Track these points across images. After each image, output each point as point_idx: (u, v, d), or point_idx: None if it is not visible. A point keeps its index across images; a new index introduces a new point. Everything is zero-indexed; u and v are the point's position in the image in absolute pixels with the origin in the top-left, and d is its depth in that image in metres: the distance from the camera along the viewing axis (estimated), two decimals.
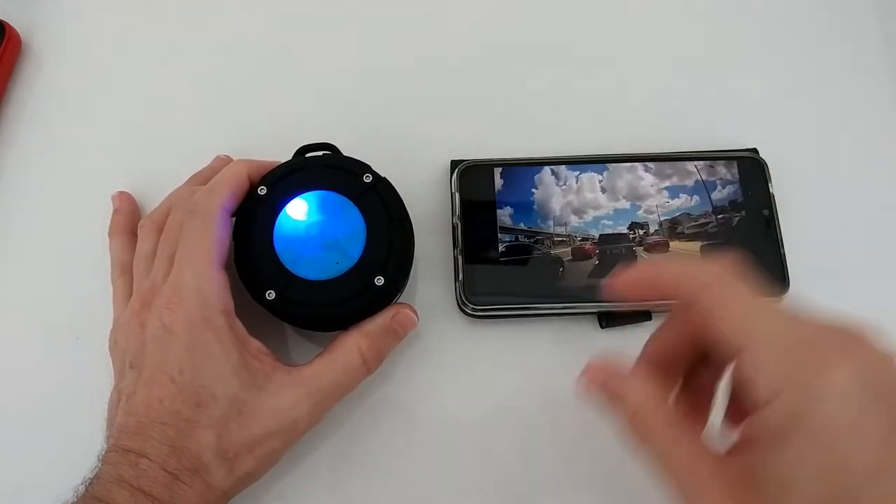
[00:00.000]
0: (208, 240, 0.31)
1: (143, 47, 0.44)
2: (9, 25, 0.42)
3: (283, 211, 0.33)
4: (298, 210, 0.33)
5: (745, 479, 0.23)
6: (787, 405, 0.21)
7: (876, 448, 0.20)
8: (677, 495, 0.24)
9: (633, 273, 0.27)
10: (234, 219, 0.33)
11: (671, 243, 0.37)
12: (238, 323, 0.31)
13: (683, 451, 0.24)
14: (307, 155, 0.36)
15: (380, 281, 0.32)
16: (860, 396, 0.21)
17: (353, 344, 0.32)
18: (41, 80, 0.43)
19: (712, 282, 0.24)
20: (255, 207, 0.33)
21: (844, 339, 0.22)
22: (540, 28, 0.44)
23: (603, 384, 0.27)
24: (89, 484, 0.28)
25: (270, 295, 0.32)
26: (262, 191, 0.33)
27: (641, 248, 0.36)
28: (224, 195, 0.32)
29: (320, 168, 0.34)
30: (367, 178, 0.33)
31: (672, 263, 0.26)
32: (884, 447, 0.20)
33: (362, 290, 0.32)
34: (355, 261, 0.32)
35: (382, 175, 0.34)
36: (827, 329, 0.23)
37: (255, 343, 0.31)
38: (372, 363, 0.32)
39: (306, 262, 0.32)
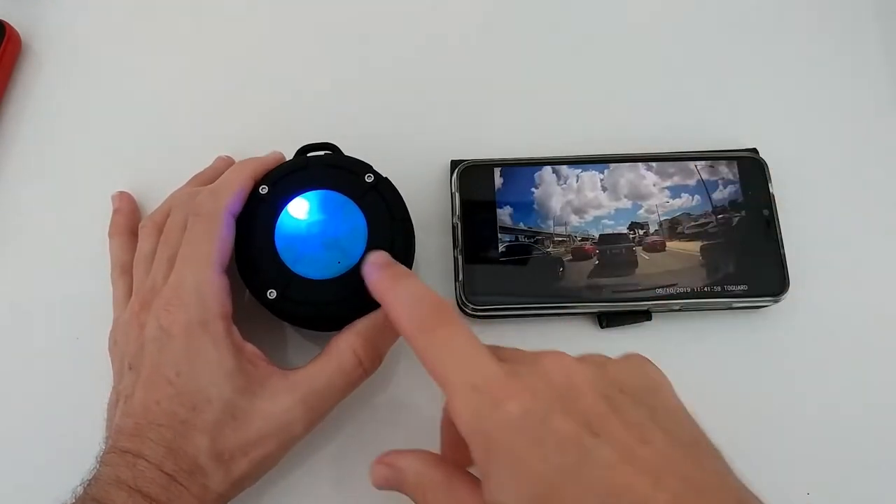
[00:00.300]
0: (211, 242, 0.31)
1: (143, 47, 0.44)
2: (9, 25, 0.42)
3: (284, 210, 0.33)
4: (300, 209, 0.33)
5: None
6: (480, 439, 0.23)
7: (556, 454, 0.22)
8: None
9: (376, 276, 0.29)
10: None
11: (672, 243, 0.37)
12: (235, 328, 0.31)
13: None
14: (308, 154, 0.36)
15: None
16: (533, 416, 0.23)
17: (346, 345, 0.31)
18: (41, 80, 0.43)
19: (418, 327, 0.26)
20: (256, 206, 0.33)
21: (522, 370, 0.24)
22: (540, 28, 0.44)
23: (386, 464, 0.28)
24: (87, 485, 0.27)
25: (272, 294, 0.32)
26: (264, 190, 0.33)
27: (641, 247, 0.36)
28: (230, 198, 0.32)
29: (322, 167, 0.34)
30: (369, 178, 0.33)
31: (397, 297, 0.28)
32: (560, 453, 0.22)
33: (363, 290, 0.32)
34: (357, 260, 0.32)
35: (384, 175, 0.34)
36: (511, 363, 0.25)
37: (251, 348, 0.31)
38: (368, 363, 0.32)
39: (307, 262, 0.32)
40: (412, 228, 0.34)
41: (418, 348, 0.26)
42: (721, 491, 0.22)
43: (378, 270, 0.29)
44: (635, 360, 0.26)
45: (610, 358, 0.26)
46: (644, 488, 0.21)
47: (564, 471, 0.22)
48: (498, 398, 0.23)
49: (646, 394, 0.25)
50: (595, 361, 0.26)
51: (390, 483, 0.28)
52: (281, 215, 0.33)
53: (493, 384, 0.24)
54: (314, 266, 0.32)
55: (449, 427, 0.28)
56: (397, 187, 0.34)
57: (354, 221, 0.33)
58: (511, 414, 0.23)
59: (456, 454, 0.28)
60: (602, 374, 0.25)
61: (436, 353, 0.26)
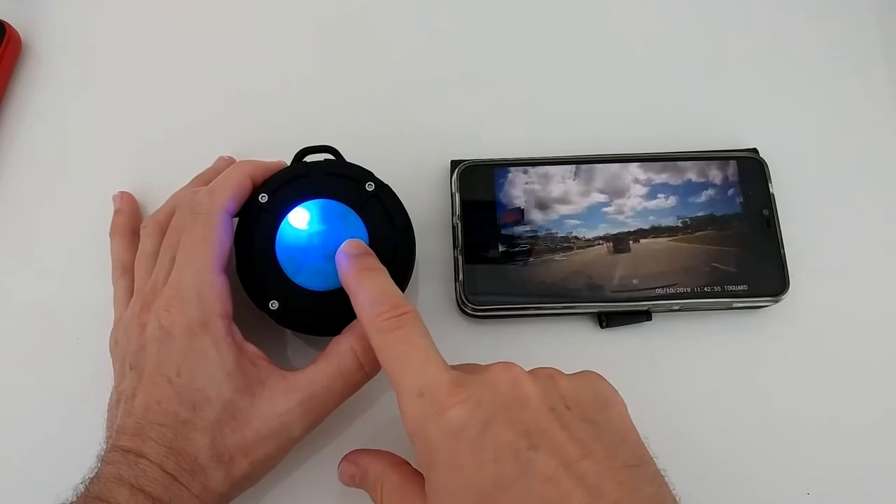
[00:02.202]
0: (209, 242, 0.31)
1: (144, 47, 0.44)
2: (9, 25, 0.42)
3: (285, 220, 0.33)
4: (300, 219, 0.33)
5: None
6: (422, 444, 0.24)
7: (493, 464, 0.23)
8: None
9: (346, 264, 0.29)
10: (236, 220, 0.33)
11: (672, 243, 0.37)
12: (235, 328, 0.31)
13: None
14: (308, 158, 0.35)
15: None
16: (474, 425, 0.23)
17: (347, 347, 0.31)
18: (41, 80, 0.43)
19: (377, 325, 0.27)
20: (256, 215, 0.33)
21: (467, 380, 0.25)
22: (540, 29, 0.44)
23: (352, 461, 0.29)
24: (89, 483, 0.27)
25: (274, 305, 0.32)
26: (264, 198, 0.33)
27: (641, 247, 0.36)
28: (227, 197, 0.32)
29: (322, 175, 0.34)
30: (370, 187, 0.33)
31: (361, 290, 0.28)
32: (497, 462, 0.23)
33: None
34: None
35: (385, 182, 0.34)
36: (461, 372, 0.25)
37: (252, 348, 0.31)
38: (369, 367, 0.31)
39: (309, 272, 0.32)
40: (413, 237, 0.34)
41: (375, 346, 0.27)
42: None
43: (348, 259, 0.30)
44: (588, 377, 0.27)
45: (562, 373, 0.26)
46: (579, 502, 0.22)
47: (501, 481, 0.22)
48: (441, 405, 0.24)
49: (594, 411, 0.25)
50: (545, 375, 0.26)
51: (354, 480, 0.29)
52: (281, 225, 0.33)
53: (438, 391, 0.24)
54: (316, 277, 0.32)
55: None
56: (397, 188, 0.34)
57: (355, 231, 0.33)
58: (452, 421, 0.23)
59: None
60: (550, 388, 0.25)
61: (389, 355, 0.26)
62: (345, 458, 0.30)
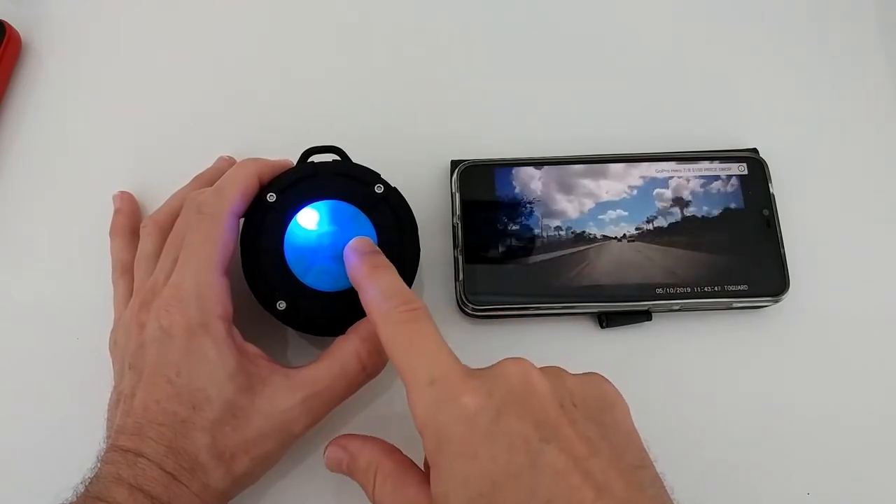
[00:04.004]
0: (213, 243, 0.31)
1: (144, 46, 0.44)
2: (9, 25, 0.42)
3: (293, 220, 0.33)
4: (309, 219, 0.33)
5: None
6: (432, 431, 0.24)
7: (506, 453, 0.23)
8: None
9: (356, 261, 0.30)
10: (242, 220, 0.33)
11: (672, 243, 0.37)
12: (235, 330, 0.31)
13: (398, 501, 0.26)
14: (315, 157, 0.35)
15: None
16: (487, 413, 0.23)
17: (351, 349, 0.31)
18: (41, 80, 0.43)
19: (388, 318, 0.27)
20: (264, 215, 0.33)
21: (479, 372, 0.25)
22: (540, 28, 0.44)
23: (341, 446, 0.29)
24: (89, 483, 0.27)
25: (281, 305, 0.32)
26: (272, 197, 0.33)
27: (641, 247, 0.36)
28: (234, 197, 0.32)
29: (330, 176, 0.34)
30: (379, 189, 0.33)
31: (373, 285, 0.28)
32: (511, 451, 0.23)
33: None
34: None
35: (388, 178, 0.34)
36: (469, 367, 0.25)
37: (252, 348, 0.31)
38: (372, 368, 0.32)
39: (317, 273, 0.32)
40: (419, 242, 0.34)
41: (385, 339, 0.27)
42: None
43: (359, 256, 0.30)
44: (594, 378, 0.27)
45: (568, 371, 0.27)
46: (586, 499, 0.22)
47: (511, 471, 0.22)
48: (454, 393, 0.24)
49: (599, 411, 0.25)
50: (554, 373, 0.26)
51: (342, 467, 0.29)
52: (290, 225, 0.33)
53: (450, 380, 0.24)
54: (324, 278, 0.32)
55: None
56: (399, 188, 0.34)
57: (364, 233, 0.32)
58: (465, 408, 0.23)
59: None
60: (559, 384, 0.25)
61: (400, 346, 0.26)
62: (332, 442, 0.29)
